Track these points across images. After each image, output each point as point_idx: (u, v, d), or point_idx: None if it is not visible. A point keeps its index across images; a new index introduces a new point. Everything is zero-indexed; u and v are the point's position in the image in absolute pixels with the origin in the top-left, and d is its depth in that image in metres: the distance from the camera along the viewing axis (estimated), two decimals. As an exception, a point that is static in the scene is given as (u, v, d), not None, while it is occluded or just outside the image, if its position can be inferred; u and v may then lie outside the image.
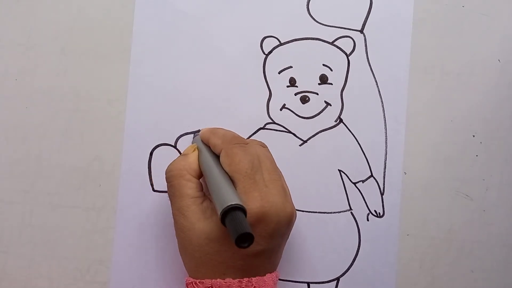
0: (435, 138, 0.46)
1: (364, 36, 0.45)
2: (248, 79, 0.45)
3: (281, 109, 0.45)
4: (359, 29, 0.45)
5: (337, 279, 0.45)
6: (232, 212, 0.33)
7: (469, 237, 0.45)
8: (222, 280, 0.36)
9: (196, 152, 0.41)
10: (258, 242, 0.36)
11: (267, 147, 0.42)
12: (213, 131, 0.42)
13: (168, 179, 0.40)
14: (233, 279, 0.36)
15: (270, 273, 0.38)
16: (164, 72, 0.45)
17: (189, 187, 0.38)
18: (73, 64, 0.44)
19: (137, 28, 0.45)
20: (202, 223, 0.37)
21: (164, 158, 0.44)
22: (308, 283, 0.44)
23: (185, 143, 0.44)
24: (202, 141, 0.42)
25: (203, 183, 0.40)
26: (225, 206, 0.33)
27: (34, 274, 0.44)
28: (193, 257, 0.37)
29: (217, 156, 0.39)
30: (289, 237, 0.40)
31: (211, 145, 0.40)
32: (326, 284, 0.44)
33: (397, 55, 0.45)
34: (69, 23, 0.45)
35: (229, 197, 0.34)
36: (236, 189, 0.36)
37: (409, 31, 0.46)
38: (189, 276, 0.39)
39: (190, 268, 0.39)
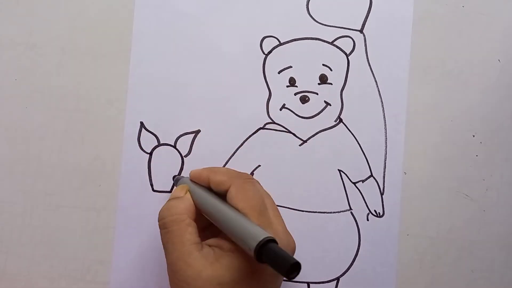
0: (435, 138, 0.46)
1: (364, 36, 0.45)
2: (248, 79, 0.45)
3: (281, 109, 0.45)
4: (359, 29, 0.45)
5: (337, 279, 0.44)
6: (269, 245, 0.31)
7: (469, 237, 0.45)
8: None
9: (189, 194, 0.39)
10: (270, 281, 0.36)
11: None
12: (212, 169, 0.40)
13: (166, 224, 0.37)
14: None
15: None
16: (164, 72, 0.45)
17: (190, 232, 0.36)
18: (73, 64, 0.44)
19: (137, 28, 0.45)
20: (209, 270, 0.35)
21: (164, 158, 0.44)
22: (308, 283, 0.44)
23: (184, 143, 0.44)
24: (193, 181, 0.40)
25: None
26: (259, 240, 0.31)
27: (34, 274, 0.44)
28: None
29: (217, 194, 0.38)
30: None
31: (214, 183, 0.39)
32: (326, 284, 0.44)
33: (397, 55, 0.45)
34: (69, 23, 0.45)
35: (259, 232, 0.33)
36: None
37: (409, 31, 0.46)
38: None
39: None
